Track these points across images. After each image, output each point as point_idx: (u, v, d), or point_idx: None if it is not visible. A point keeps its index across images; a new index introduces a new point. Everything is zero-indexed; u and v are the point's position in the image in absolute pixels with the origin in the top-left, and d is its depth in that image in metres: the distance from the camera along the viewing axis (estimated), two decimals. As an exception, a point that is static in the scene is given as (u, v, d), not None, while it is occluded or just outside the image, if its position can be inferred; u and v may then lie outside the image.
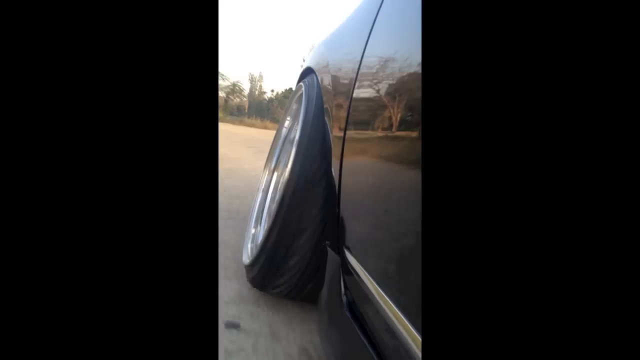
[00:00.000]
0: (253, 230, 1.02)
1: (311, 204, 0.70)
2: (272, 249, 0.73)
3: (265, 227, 0.80)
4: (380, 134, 0.45)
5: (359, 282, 0.46)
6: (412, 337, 0.31)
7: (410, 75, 0.38)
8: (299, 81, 1.06)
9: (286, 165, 0.81)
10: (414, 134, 0.36)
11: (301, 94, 0.93)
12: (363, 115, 0.54)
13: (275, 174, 1.14)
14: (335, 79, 0.73)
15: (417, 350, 0.30)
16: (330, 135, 0.67)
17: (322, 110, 0.76)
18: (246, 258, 0.89)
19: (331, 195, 0.68)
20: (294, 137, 0.81)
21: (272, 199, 1.04)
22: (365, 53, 0.56)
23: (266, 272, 0.76)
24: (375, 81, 0.50)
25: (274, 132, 1.27)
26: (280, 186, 0.81)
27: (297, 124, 0.85)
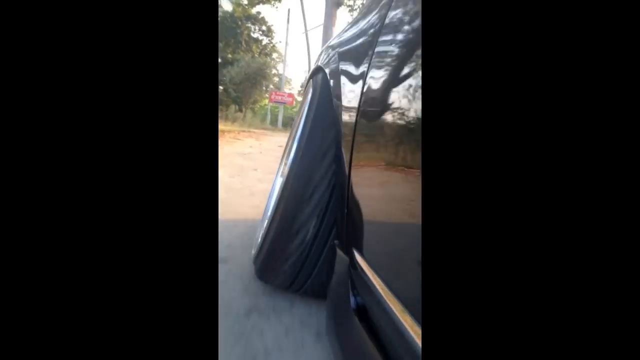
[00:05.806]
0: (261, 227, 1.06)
1: (308, 203, 0.71)
2: (270, 243, 0.77)
3: (265, 223, 0.85)
4: (390, 133, 0.45)
5: (367, 282, 0.45)
6: (420, 339, 0.31)
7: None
8: (307, 81, 1.06)
9: (286, 164, 0.83)
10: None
11: (308, 91, 0.93)
12: (374, 114, 0.53)
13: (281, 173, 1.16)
14: (345, 76, 0.72)
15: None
16: (341, 130, 0.67)
17: (328, 105, 0.77)
18: (253, 250, 0.93)
19: (331, 192, 0.69)
20: (295, 133, 0.84)
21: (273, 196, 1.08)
22: (376, 51, 0.56)
23: (265, 265, 0.80)
24: (386, 79, 0.49)
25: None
26: (280, 182, 0.84)
27: (301, 119, 0.86)
